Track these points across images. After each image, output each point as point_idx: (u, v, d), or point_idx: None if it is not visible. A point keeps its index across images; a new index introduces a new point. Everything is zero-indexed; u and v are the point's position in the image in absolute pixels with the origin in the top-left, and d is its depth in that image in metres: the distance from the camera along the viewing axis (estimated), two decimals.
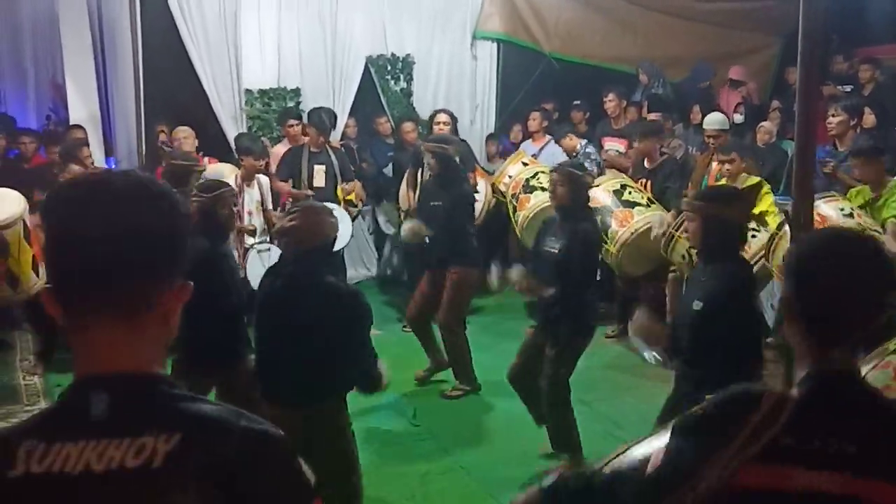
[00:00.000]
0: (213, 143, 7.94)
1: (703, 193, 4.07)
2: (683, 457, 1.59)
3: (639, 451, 2.30)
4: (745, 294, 3.62)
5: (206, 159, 7.39)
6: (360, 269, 8.75)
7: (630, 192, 6.60)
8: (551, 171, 4.96)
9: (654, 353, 4.63)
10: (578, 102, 9.16)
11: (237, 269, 4.60)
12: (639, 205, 6.49)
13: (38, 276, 5.53)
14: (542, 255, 4.80)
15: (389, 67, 8.94)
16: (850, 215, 5.20)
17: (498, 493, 4.43)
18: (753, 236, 5.56)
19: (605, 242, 6.35)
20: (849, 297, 1.56)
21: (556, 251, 4.67)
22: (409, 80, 9.05)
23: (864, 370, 2.85)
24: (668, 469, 1.61)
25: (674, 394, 3.70)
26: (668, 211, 6.45)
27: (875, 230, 5.14)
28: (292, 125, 7.64)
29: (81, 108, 7.66)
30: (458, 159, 5.97)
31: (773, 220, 5.76)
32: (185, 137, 7.17)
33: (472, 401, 5.80)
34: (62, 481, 1.11)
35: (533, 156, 7.97)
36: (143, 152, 6.59)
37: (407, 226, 6.06)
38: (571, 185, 4.72)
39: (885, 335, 2.63)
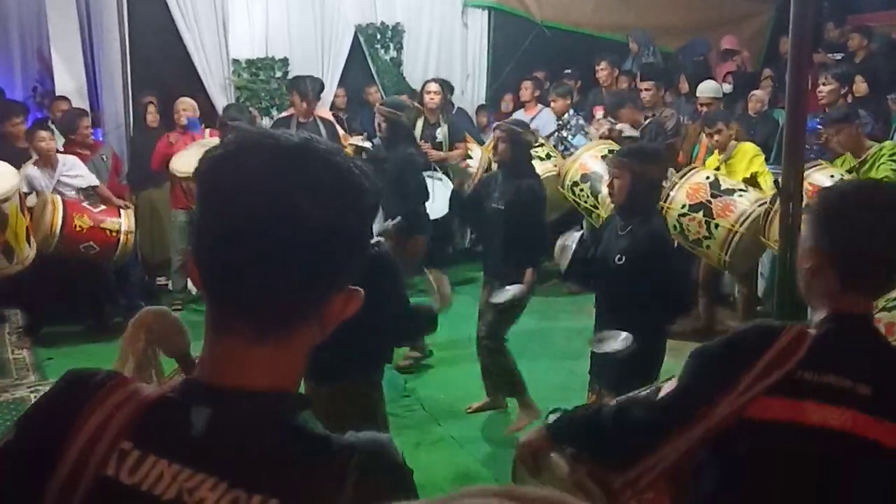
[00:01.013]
0: (202, 114, 7.87)
1: (628, 150, 4.08)
2: (699, 382, 1.60)
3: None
4: (666, 249, 3.80)
5: (207, 131, 7.33)
6: None
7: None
8: (494, 129, 5.00)
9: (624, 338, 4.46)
10: (569, 71, 9.10)
11: None
12: None
13: (30, 246, 5.53)
14: (488, 212, 4.86)
15: (379, 36, 8.85)
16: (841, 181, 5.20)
17: (489, 464, 4.46)
18: (740, 195, 5.57)
19: (598, 207, 6.35)
20: (879, 242, 1.59)
21: (502, 208, 4.75)
22: (399, 49, 8.96)
23: None
24: (681, 394, 1.62)
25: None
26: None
27: None
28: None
29: (68, 80, 7.58)
30: (407, 125, 5.92)
31: (764, 182, 5.76)
32: (185, 109, 7.09)
33: (463, 373, 5.81)
34: (151, 503, 0.96)
35: None
36: (131, 124, 6.53)
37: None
38: (512, 142, 4.79)
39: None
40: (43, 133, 6.08)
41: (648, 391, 1.78)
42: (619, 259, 3.63)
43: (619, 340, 3.57)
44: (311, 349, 1.03)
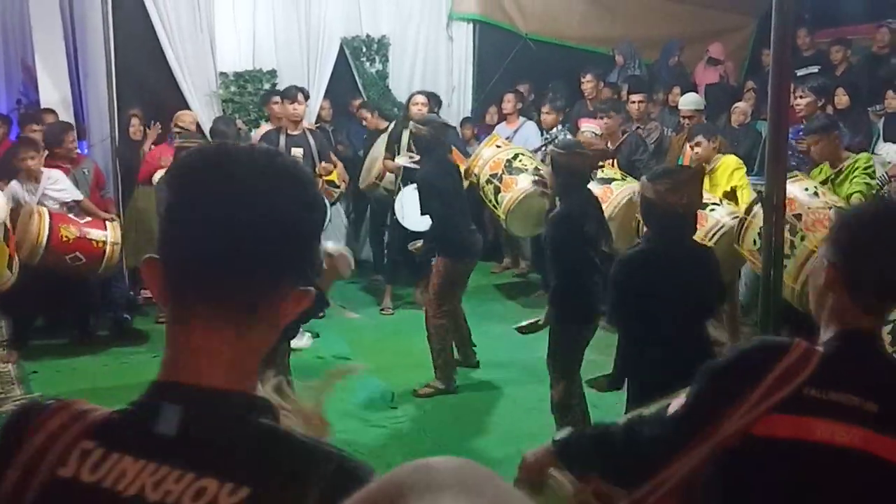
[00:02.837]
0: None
1: (557, 145, 4.93)
2: (707, 400, 1.61)
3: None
4: (570, 227, 4.37)
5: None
6: None
7: (604, 171, 6.59)
8: (549, 152, 5.10)
9: None
10: (552, 84, 9.14)
11: None
12: (615, 180, 6.51)
13: (11, 272, 5.52)
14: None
15: (365, 49, 8.88)
16: (816, 194, 5.25)
17: None
18: (712, 210, 5.61)
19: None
20: (892, 261, 1.60)
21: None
22: (385, 61, 8.99)
23: None
24: (690, 412, 1.63)
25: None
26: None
27: (840, 207, 5.21)
28: (277, 102, 7.40)
29: (52, 91, 7.55)
30: (432, 139, 5.87)
31: (744, 196, 5.80)
32: (190, 123, 7.11)
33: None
34: (109, 499, 0.97)
35: (507, 138, 7.94)
36: (116, 137, 6.52)
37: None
38: (554, 165, 4.67)
39: None
40: (31, 152, 6.09)
41: (658, 408, 1.79)
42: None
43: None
44: (264, 352, 1.08)
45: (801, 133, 6.13)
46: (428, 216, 5.71)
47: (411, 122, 6.22)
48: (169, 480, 0.96)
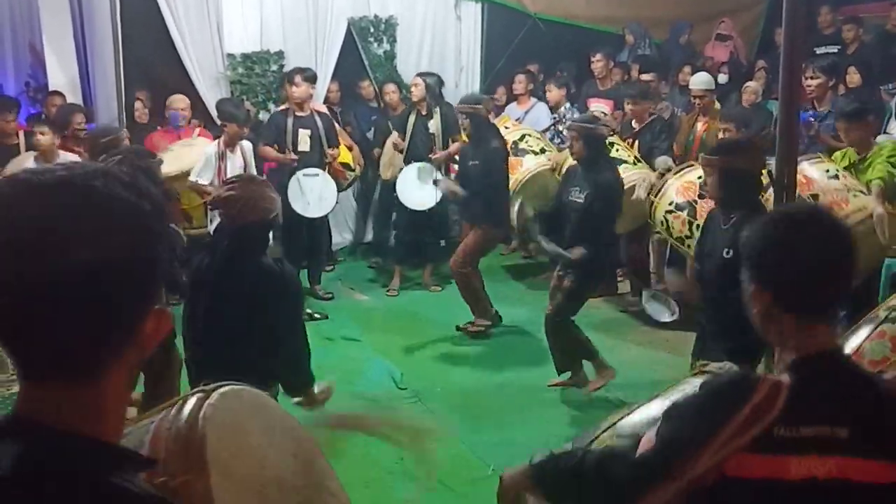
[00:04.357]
0: (193, 110, 7.86)
1: (717, 147, 4.22)
2: (675, 440, 1.59)
3: (634, 419, 2.31)
4: (615, 195, 4.68)
5: (196, 129, 7.31)
6: (345, 234, 8.72)
7: (617, 150, 6.57)
8: (568, 129, 5.35)
9: (673, 311, 5.00)
10: (562, 64, 9.09)
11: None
12: (625, 162, 6.47)
13: None
14: (567, 205, 5.12)
15: (372, 30, 8.82)
16: (836, 177, 5.21)
17: (487, 456, 4.47)
18: None
19: None
20: (822, 271, 1.57)
21: (581, 200, 5.01)
22: (393, 42, 8.93)
23: (857, 341, 2.86)
24: (659, 451, 1.61)
25: (698, 343, 3.95)
26: (654, 171, 6.45)
27: (860, 191, 5.16)
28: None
29: (60, 74, 7.55)
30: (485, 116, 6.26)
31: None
32: (183, 109, 7.07)
33: (458, 363, 5.84)
34: None
35: (517, 119, 7.92)
36: (124, 119, 6.50)
37: (443, 185, 6.51)
38: (585, 138, 5.06)
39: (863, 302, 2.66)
40: (44, 128, 6.09)
41: (630, 443, 1.78)
42: (727, 253, 3.67)
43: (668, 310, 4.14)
44: (134, 376, 0.97)
45: (810, 117, 6.07)
46: (481, 187, 6.03)
47: (459, 103, 6.48)
48: None
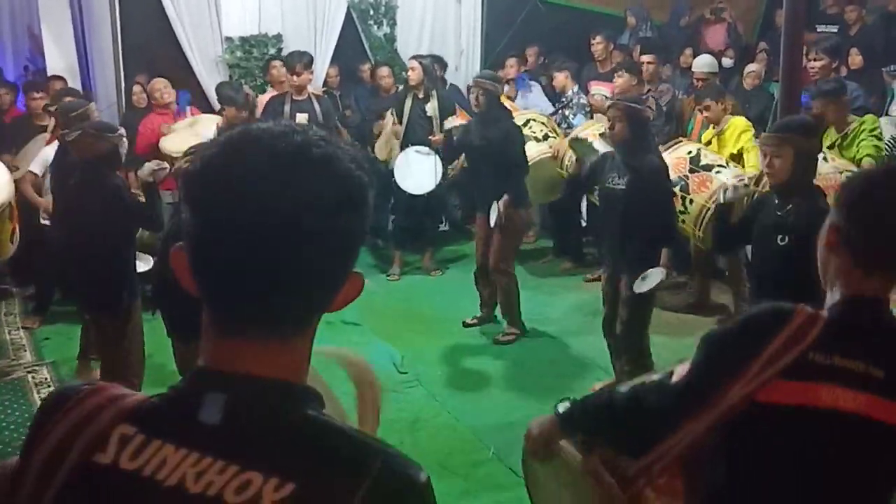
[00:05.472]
0: (195, 93, 7.84)
1: (787, 124, 3.73)
2: (710, 369, 1.60)
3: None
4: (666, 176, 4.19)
5: (188, 109, 7.28)
6: None
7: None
8: (608, 107, 4.79)
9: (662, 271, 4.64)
10: (563, 47, 9.04)
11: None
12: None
13: (13, 243, 5.52)
14: (606, 193, 4.72)
15: (372, 12, 8.78)
16: (825, 159, 5.19)
17: (487, 439, 4.48)
18: (718, 172, 5.56)
19: None
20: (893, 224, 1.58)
21: (623, 188, 4.55)
22: (393, 24, 8.89)
23: None
24: (693, 381, 1.62)
25: None
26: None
27: (849, 170, 5.15)
28: (275, 66, 7.51)
29: (59, 59, 7.51)
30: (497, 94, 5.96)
31: (751, 159, 5.73)
32: (162, 88, 7.03)
33: (458, 347, 5.84)
34: (149, 489, 0.92)
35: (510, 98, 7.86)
36: (123, 104, 6.49)
37: (457, 163, 6.29)
38: (629, 119, 4.55)
39: None
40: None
41: (661, 375, 1.78)
42: (782, 240, 3.48)
43: (655, 275, 4.11)
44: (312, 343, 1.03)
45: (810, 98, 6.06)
46: (502, 169, 5.68)
47: (478, 77, 6.08)
48: (211, 472, 0.92)
